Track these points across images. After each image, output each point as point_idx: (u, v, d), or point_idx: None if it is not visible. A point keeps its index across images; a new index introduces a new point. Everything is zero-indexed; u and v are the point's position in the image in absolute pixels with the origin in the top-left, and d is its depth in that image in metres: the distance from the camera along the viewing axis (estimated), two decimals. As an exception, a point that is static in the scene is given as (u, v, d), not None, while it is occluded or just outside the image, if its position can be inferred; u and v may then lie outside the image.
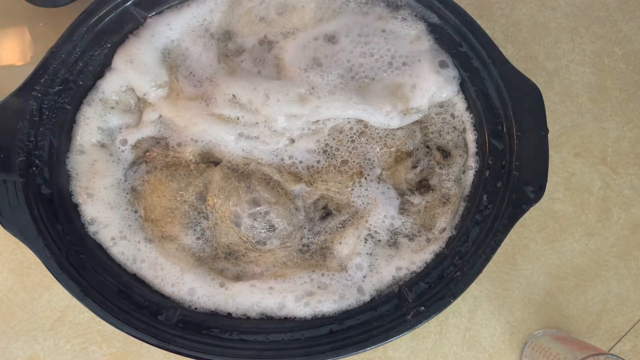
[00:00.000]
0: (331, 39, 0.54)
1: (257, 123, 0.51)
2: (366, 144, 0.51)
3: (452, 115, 0.52)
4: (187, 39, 0.52)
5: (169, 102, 0.51)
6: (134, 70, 0.50)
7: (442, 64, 0.51)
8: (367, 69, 0.52)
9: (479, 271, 0.46)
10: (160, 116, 0.51)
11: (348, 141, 0.51)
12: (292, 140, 0.51)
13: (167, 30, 0.52)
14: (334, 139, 0.51)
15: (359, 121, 0.51)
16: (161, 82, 0.51)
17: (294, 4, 0.53)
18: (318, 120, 0.51)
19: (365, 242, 0.50)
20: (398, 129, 0.51)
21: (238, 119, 0.51)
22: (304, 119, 0.50)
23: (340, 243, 0.50)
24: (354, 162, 0.51)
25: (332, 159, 0.51)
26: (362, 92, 0.51)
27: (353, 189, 0.51)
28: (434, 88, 0.50)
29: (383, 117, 0.50)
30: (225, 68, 0.52)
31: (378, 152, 0.51)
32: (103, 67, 0.51)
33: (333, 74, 0.51)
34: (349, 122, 0.51)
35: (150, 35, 0.51)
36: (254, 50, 0.54)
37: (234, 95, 0.50)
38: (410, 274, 0.49)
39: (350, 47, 0.53)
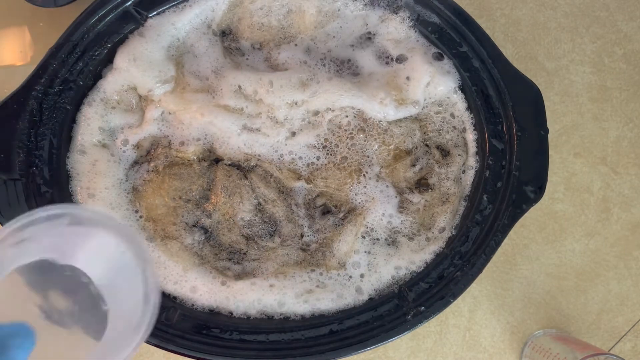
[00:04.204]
0: (330, 41, 0.54)
1: (260, 113, 0.51)
2: (365, 141, 0.52)
3: (452, 115, 0.52)
4: (192, 36, 0.53)
5: (174, 96, 0.51)
6: (138, 68, 0.50)
7: (436, 56, 0.52)
8: (363, 64, 0.53)
9: (479, 271, 0.47)
10: (163, 112, 0.51)
11: (347, 137, 0.52)
12: (293, 134, 0.51)
13: (172, 29, 0.52)
14: (333, 134, 0.52)
15: (357, 116, 0.52)
16: (167, 77, 0.51)
17: (295, 8, 0.54)
18: (318, 113, 0.51)
19: (363, 239, 0.50)
20: (396, 126, 0.52)
21: (242, 109, 0.51)
22: (304, 108, 0.51)
23: (339, 241, 0.50)
24: (352, 159, 0.51)
25: (331, 155, 0.52)
26: (357, 83, 0.52)
27: (352, 186, 0.51)
28: (427, 78, 0.50)
29: (378, 104, 0.50)
30: (230, 63, 0.53)
31: (376, 150, 0.52)
32: (103, 67, 0.51)
33: (332, 66, 0.53)
34: (347, 117, 0.52)
35: (156, 35, 0.51)
36: (255, 53, 0.54)
37: (239, 86, 0.51)
38: (410, 273, 0.49)
39: (349, 47, 0.54)
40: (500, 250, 0.48)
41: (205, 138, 0.51)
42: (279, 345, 0.46)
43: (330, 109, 0.51)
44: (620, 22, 0.63)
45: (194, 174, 0.51)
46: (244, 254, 0.51)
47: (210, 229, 0.51)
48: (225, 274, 0.50)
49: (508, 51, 0.62)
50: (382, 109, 0.51)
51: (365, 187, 0.51)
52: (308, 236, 0.51)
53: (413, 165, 0.52)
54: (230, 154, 0.51)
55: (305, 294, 0.48)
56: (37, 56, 0.56)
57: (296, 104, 0.51)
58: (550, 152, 0.49)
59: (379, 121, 0.52)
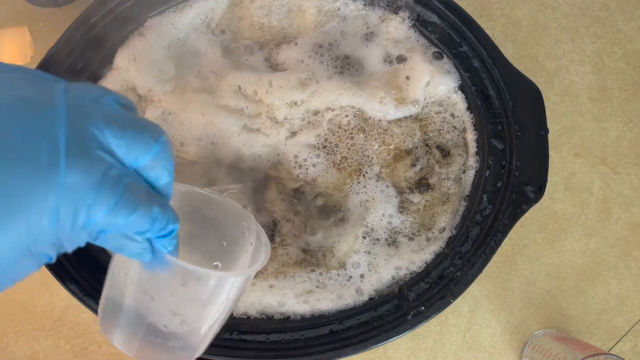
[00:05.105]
0: (330, 40, 0.54)
1: (260, 113, 0.51)
2: (365, 141, 0.52)
3: (452, 115, 0.52)
4: (192, 36, 0.53)
5: (175, 96, 0.51)
6: (137, 68, 0.50)
7: (436, 56, 0.52)
8: (363, 63, 0.53)
9: (479, 271, 0.46)
10: (163, 112, 0.51)
11: (347, 137, 0.52)
12: (293, 133, 0.52)
13: (172, 29, 0.52)
14: (333, 134, 0.52)
15: (357, 115, 0.52)
16: (167, 77, 0.51)
17: (295, 8, 0.54)
18: (318, 112, 0.51)
19: (363, 239, 0.50)
20: (397, 126, 0.52)
21: (242, 110, 0.51)
22: (304, 107, 0.51)
23: (338, 241, 0.50)
24: (352, 159, 0.51)
25: (331, 155, 0.52)
26: (357, 82, 0.52)
27: (351, 186, 0.51)
28: (427, 77, 0.50)
29: (378, 103, 0.50)
30: (230, 63, 0.53)
31: (377, 149, 0.52)
32: (103, 67, 0.51)
33: (332, 65, 0.53)
34: (347, 116, 0.52)
35: (156, 34, 0.51)
36: (255, 53, 0.54)
37: (239, 87, 0.51)
38: (410, 274, 0.49)
39: (349, 46, 0.54)
40: (500, 250, 0.48)
41: (206, 138, 0.51)
42: (279, 345, 0.46)
43: (330, 109, 0.51)
44: (620, 22, 0.63)
45: (196, 173, 0.51)
46: (244, 254, 0.51)
47: (210, 229, 0.51)
48: (225, 274, 0.50)
49: (508, 51, 0.62)
50: (382, 108, 0.51)
51: (365, 187, 0.51)
52: (308, 236, 0.51)
53: (413, 165, 0.52)
54: (231, 154, 0.51)
55: (305, 294, 0.48)
56: (37, 56, 0.56)
57: (296, 103, 0.51)
58: (550, 152, 0.49)
59: (379, 120, 0.52)
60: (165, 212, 0.27)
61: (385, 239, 0.50)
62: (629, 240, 0.59)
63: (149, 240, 0.28)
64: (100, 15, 0.50)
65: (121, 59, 0.50)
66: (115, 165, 0.24)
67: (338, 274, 0.49)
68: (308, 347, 0.46)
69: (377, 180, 0.51)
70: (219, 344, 0.46)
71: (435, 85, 0.51)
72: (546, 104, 0.49)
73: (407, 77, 0.51)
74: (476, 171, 0.51)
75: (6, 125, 0.22)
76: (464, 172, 0.51)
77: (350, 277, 0.49)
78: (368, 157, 0.52)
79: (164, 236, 0.27)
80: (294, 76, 0.51)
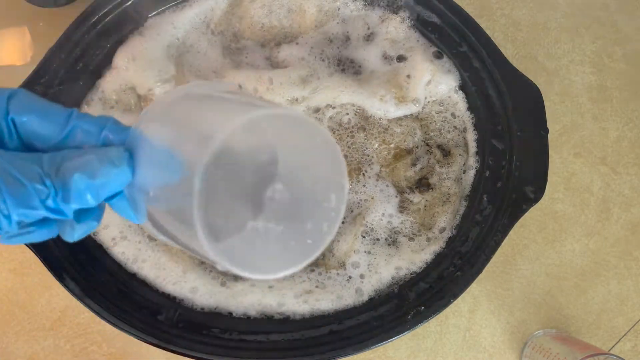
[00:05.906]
0: (331, 40, 0.54)
1: None
2: (365, 139, 0.52)
3: (453, 115, 0.52)
4: (191, 36, 0.53)
5: (176, 96, 0.51)
6: (137, 67, 0.50)
7: (436, 55, 0.52)
8: (363, 63, 0.53)
9: (479, 271, 0.46)
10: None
11: (347, 136, 0.52)
12: None
13: (172, 29, 0.52)
14: (333, 132, 0.52)
15: (358, 114, 0.52)
16: (167, 76, 0.51)
17: (295, 7, 0.54)
18: (318, 110, 0.51)
19: (363, 239, 0.50)
20: (397, 125, 0.52)
21: None
22: (305, 104, 0.51)
23: (338, 241, 0.50)
24: (352, 157, 0.51)
25: (331, 153, 0.52)
26: (358, 80, 0.52)
27: (351, 185, 0.51)
28: (428, 76, 0.50)
29: (378, 101, 0.50)
30: (230, 62, 0.53)
31: (377, 148, 0.52)
32: (103, 67, 0.51)
33: (333, 64, 0.53)
34: (347, 114, 0.52)
35: (156, 34, 0.51)
36: (255, 52, 0.54)
37: (239, 86, 0.51)
38: (411, 274, 0.49)
39: (349, 46, 0.54)
40: (500, 250, 0.48)
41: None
42: (279, 345, 0.46)
43: (331, 106, 0.51)
44: (620, 22, 0.63)
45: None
46: (244, 253, 0.51)
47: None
48: (225, 274, 0.50)
49: (508, 51, 0.62)
50: (382, 106, 0.51)
51: (364, 185, 0.51)
52: (308, 236, 0.51)
53: (414, 164, 0.52)
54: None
55: (305, 294, 0.48)
56: (37, 56, 0.56)
57: (296, 100, 0.51)
58: (550, 152, 0.49)
59: (380, 119, 0.52)
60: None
61: (385, 239, 0.50)
62: (629, 240, 0.59)
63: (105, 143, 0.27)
64: (100, 15, 0.50)
65: (120, 59, 0.50)
66: None
67: (338, 274, 0.49)
68: (308, 347, 0.46)
69: (377, 180, 0.51)
70: (219, 344, 0.46)
71: (436, 84, 0.51)
72: (546, 104, 0.49)
73: (408, 76, 0.51)
74: (476, 171, 0.51)
75: None
76: (464, 172, 0.51)
77: (350, 277, 0.49)
78: (368, 155, 0.52)
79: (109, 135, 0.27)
80: (294, 73, 0.51)
